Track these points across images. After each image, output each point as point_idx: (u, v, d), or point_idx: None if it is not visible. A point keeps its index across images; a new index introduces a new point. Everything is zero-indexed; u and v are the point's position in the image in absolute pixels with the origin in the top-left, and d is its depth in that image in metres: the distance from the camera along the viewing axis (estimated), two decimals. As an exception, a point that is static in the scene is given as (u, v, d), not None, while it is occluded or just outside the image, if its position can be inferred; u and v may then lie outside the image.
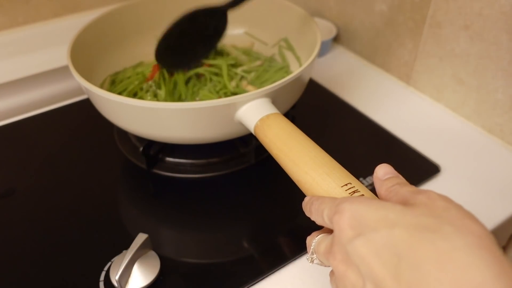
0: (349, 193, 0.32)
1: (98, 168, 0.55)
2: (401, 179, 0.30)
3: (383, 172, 0.31)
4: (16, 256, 0.45)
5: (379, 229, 0.25)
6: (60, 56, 0.66)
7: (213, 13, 0.53)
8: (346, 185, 0.33)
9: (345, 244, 0.26)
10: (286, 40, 0.63)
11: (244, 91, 0.54)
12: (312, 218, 0.32)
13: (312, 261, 0.32)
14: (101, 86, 0.57)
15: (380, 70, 0.73)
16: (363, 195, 0.32)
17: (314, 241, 0.31)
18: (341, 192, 0.32)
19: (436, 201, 0.26)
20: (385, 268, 0.24)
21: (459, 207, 0.26)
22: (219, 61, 0.57)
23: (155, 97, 0.55)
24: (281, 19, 0.64)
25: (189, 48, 0.56)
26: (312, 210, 0.32)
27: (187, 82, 0.56)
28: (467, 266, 0.22)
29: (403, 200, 0.28)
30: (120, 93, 0.55)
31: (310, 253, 0.32)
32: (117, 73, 0.60)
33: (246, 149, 0.55)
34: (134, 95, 0.56)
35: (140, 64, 0.62)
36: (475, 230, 0.24)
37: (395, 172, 0.31)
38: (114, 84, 0.58)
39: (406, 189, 0.28)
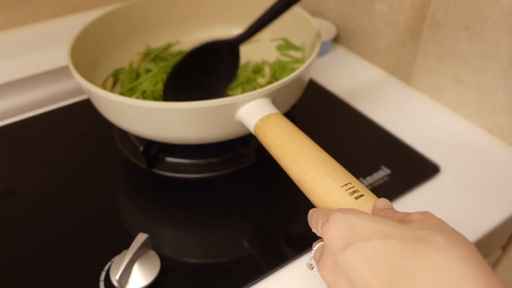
0: (349, 193, 0.32)
1: (98, 168, 0.55)
2: (398, 211, 0.31)
3: (383, 204, 0.31)
4: (16, 256, 0.45)
5: (371, 239, 0.25)
6: (60, 56, 0.66)
7: (224, 46, 0.52)
8: (346, 185, 0.33)
9: (335, 253, 0.27)
10: (286, 40, 0.63)
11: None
12: (313, 231, 0.32)
13: (311, 268, 0.32)
14: (102, 86, 0.57)
15: (380, 70, 0.73)
16: (363, 195, 0.32)
17: (314, 248, 0.32)
18: (341, 192, 0.32)
19: (431, 218, 0.27)
20: (378, 278, 0.24)
21: (452, 228, 0.26)
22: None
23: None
24: (281, 19, 0.64)
25: (202, 83, 0.54)
26: (312, 222, 0.32)
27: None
28: (460, 277, 0.22)
29: (399, 221, 0.28)
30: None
31: (310, 259, 0.32)
32: (117, 70, 0.60)
33: (246, 149, 0.55)
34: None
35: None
36: (466, 243, 0.24)
37: (393, 207, 0.31)
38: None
39: (402, 212, 0.29)
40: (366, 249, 0.25)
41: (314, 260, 0.31)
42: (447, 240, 0.24)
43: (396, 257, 0.24)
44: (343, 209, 0.29)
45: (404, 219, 0.28)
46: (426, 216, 0.27)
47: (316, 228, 0.31)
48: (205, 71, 0.53)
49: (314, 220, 0.32)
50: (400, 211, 0.31)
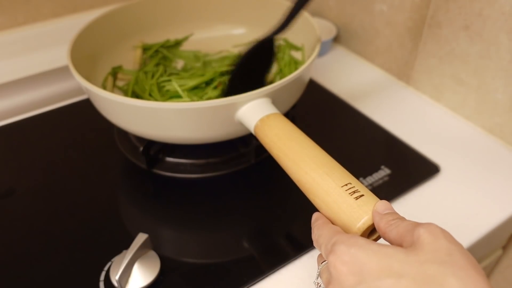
0: (349, 193, 0.32)
1: (98, 168, 0.55)
2: (400, 215, 0.31)
3: (384, 207, 0.31)
4: (16, 256, 0.45)
5: (383, 278, 0.25)
6: (60, 56, 0.66)
7: (266, 42, 0.52)
8: (346, 185, 0.33)
9: None
10: (286, 40, 0.63)
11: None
12: (315, 246, 0.32)
13: (319, 286, 0.32)
14: (102, 86, 0.57)
15: (380, 70, 0.73)
16: (363, 195, 0.32)
17: (320, 266, 0.31)
18: (341, 192, 0.32)
19: (439, 239, 0.26)
20: None
21: (461, 249, 0.26)
22: None
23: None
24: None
25: (249, 80, 0.54)
26: (313, 238, 0.32)
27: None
28: None
29: (403, 234, 0.28)
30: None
31: (316, 277, 0.32)
32: (115, 68, 0.60)
33: (246, 149, 0.55)
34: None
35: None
36: (479, 283, 0.24)
37: (394, 209, 0.31)
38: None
39: (406, 223, 0.29)
40: None
41: (321, 278, 0.31)
42: (459, 283, 0.24)
43: None
44: (346, 240, 0.28)
45: (408, 234, 0.27)
46: (434, 235, 0.26)
47: (319, 249, 0.31)
48: (254, 67, 0.54)
49: (315, 240, 0.32)
50: (400, 211, 0.31)
